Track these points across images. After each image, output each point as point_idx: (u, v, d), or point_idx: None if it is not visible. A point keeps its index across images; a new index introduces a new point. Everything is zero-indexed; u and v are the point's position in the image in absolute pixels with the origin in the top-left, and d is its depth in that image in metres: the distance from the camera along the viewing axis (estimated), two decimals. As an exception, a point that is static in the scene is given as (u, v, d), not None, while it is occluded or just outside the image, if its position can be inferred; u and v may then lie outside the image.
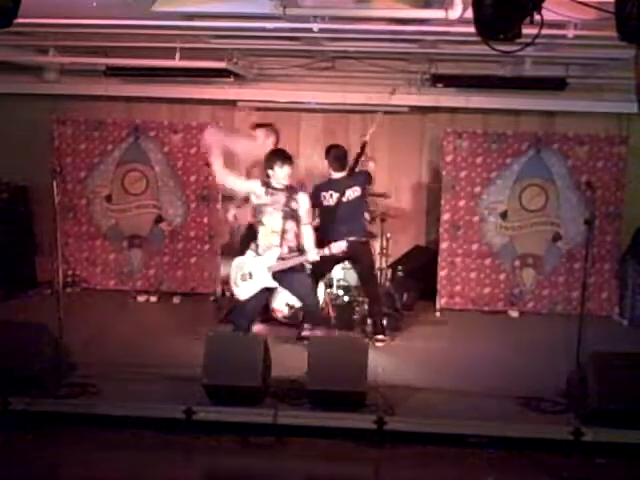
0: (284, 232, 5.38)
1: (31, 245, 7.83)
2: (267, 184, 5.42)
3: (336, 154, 6.05)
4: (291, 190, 5.44)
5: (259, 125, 6.26)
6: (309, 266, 5.73)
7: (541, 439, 4.30)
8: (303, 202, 5.46)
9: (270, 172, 5.39)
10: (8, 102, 7.64)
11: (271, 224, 5.39)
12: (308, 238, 5.45)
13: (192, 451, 4.25)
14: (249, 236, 5.87)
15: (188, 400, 4.48)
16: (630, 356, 4.76)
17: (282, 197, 5.38)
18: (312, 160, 7.80)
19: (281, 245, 5.38)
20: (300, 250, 5.45)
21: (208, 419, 4.42)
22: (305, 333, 5.73)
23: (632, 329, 6.92)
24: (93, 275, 7.85)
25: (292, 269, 5.38)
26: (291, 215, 5.40)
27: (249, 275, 5.39)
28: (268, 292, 5.61)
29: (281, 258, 5.35)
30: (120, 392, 4.71)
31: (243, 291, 5.42)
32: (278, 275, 5.35)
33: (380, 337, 5.96)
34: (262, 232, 5.43)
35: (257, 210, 5.46)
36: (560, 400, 4.71)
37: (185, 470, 4.17)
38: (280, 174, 5.36)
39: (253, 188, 5.42)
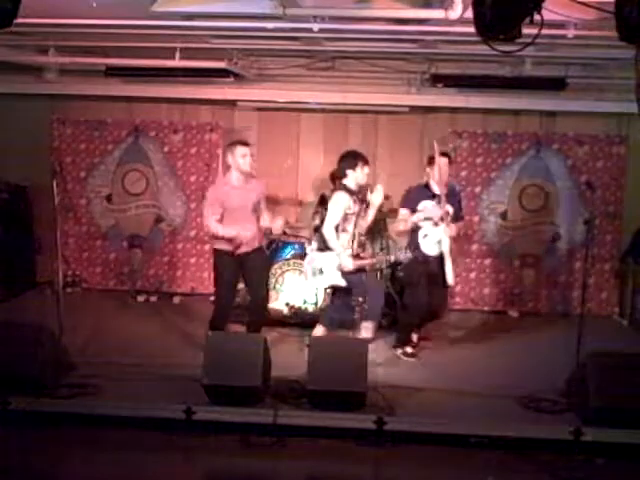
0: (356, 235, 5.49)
1: (31, 245, 7.82)
2: (350, 192, 5.47)
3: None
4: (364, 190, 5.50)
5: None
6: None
7: (541, 439, 4.30)
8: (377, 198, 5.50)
9: (350, 172, 5.46)
10: (8, 102, 7.62)
11: (351, 230, 5.48)
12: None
13: (192, 451, 4.24)
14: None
15: (188, 400, 4.48)
16: (630, 356, 4.77)
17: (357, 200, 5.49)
18: (312, 160, 7.81)
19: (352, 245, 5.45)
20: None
21: (208, 419, 4.42)
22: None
23: (632, 329, 6.92)
24: (93, 275, 7.85)
25: (362, 271, 5.46)
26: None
27: (319, 271, 5.47)
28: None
29: (353, 258, 5.41)
30: (120, 392, 4.71)
31: (312, 285, 5.64)
32: (348, 275, 5.42)
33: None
34: (342, 239, 5.45)
35: (343, 219, 5.47)
36: (560, 400, 4.71)
37: (185, 470, 4.16)
38: (360, 176, 5.45)
39: (347, 204, 5.44)
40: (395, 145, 7.76)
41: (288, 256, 6.59)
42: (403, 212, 5.59)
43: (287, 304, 6.42)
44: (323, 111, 7.71)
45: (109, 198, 7.80)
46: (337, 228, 5.46)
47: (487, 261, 7.42)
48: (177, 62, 6.26)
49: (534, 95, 7.07)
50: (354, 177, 5.50)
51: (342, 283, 5.46)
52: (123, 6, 4.66)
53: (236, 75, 6.89)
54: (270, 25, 5.04)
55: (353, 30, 5.32)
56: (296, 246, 6.70)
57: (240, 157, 5.21)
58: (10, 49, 6.43)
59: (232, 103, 7.76)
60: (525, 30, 3.30)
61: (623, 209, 7.28)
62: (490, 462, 4.14)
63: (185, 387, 4.70)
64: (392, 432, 4.34)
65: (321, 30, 5.03)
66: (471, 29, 3.47)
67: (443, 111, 7.61)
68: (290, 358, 5.40)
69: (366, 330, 5.49)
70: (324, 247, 5.53)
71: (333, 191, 5.78)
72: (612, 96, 7.00)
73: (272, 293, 6.42)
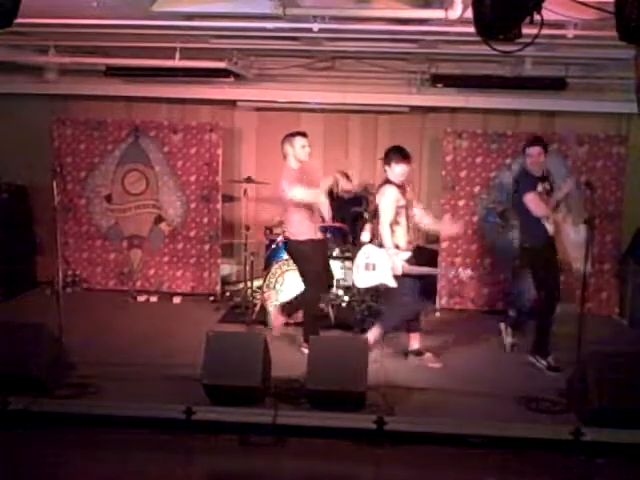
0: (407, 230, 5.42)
1: (31, 245, 7.83)
2: (395, 185, 5.37)
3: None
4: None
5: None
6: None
7: (541, 439, 4.30)
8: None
9: (387, 168, 5.39)
10: (8, 102, 7.63)
11: (404, 222, 5.38)
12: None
13: (192, 451, 4.25)
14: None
15: (188, 400, 4.48)
16: (630, 356, 4.77)
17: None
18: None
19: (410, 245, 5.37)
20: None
21: (208, 419, 4.42)
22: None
23: (632, 329, 6.92)
24: (93, 275, 7.85)
25: (414, 278, 5.35)
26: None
27: (372, 266, 5.36)
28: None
29: (408, 262, 5.32)
30: (120, 392, 4.72)
31: (361, 279, 5.45)
32: (399, 278, 5.29)
33: None
34: (399, 232, 5.34)
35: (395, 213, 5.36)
36: (560, 400, 4.71)
37: (185, 470, 4.16)
38: (392, 173, 5.37)
39: (396, 197, 5.34)
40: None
41: (288, 256, 6.58)
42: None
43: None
44: (323, 111, 7.71)
45: (109, 198, 7.80)
46: (392, 223, 5.33)
47: (487, 261, 7.41)
48: (177, 62, 6.26)
49: (534, 95, 7.07)
50: (390, 173, 5.41)
51: (392, 284, 5.30)
52: (123, 6, 4.66)
53: (236, 75, 6.90)
54: (270, 25, 5.05)
55: (353, 30, 5.33)
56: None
57: (300, 147, 5.52)
58: (10, 49, 6.44)
59: (232, 103, 7.77)
60: (525, 30, 3.31)
61: (623, 209, 7.28)
62: (490, 462, 4.14)
63: (185, 387, 4.71)
64: (392, 432, 4.33)
65: (321, 30, 5.03)
66: (471, 29, 3.48)
67: (443, 111, 7.62)
68: (290, 358, 5.40)
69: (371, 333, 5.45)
70: (380, 243, 5.39)
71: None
72: (612, 96, 7.00)
73: (272, 293, 6.42)
